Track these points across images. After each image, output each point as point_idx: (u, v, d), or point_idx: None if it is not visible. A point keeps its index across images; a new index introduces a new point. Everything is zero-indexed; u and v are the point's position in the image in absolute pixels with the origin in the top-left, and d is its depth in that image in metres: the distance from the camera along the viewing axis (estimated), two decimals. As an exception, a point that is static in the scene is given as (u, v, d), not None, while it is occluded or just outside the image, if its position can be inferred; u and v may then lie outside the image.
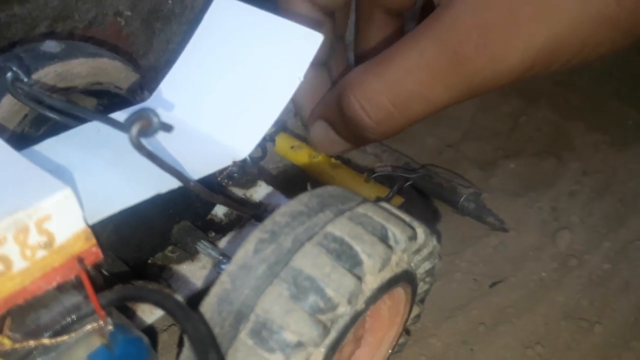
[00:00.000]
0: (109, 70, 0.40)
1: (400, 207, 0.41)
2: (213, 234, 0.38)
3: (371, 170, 0.48)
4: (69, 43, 0.39)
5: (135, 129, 0.26)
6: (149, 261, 0.35)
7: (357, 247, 0.27)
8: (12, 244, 0.24)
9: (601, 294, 0.47)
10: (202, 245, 0.35)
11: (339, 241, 0.28)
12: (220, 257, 0.34)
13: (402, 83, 0.35)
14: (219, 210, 0.39)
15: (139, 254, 0.34)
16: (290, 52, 0.36)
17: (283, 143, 0.50)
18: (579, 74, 0.65)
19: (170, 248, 0.36)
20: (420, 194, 0.51)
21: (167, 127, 0.27)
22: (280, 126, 0.51)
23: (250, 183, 0.40)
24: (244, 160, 0.37)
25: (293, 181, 0.52)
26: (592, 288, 0.47)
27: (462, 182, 0.51)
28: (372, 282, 0.28)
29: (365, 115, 0.37)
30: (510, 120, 0.62)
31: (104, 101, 0.41)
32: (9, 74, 0.34)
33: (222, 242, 0.37)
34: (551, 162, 0.58)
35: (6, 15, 0.43)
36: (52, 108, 0.34)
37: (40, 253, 0.25)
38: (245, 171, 0.40)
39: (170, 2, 0.53)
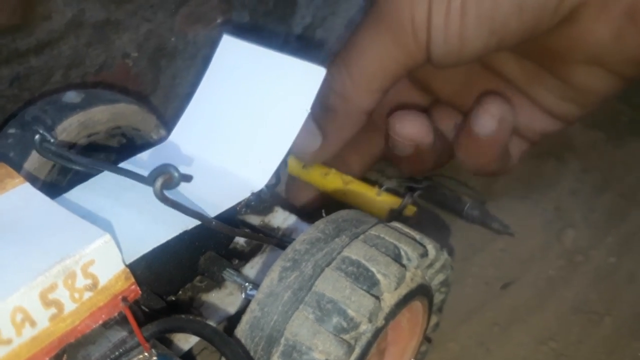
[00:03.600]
0: (127, 114, 0.42)
1: (413, 217, 0.44)
2: (237, 261, 0.40)
3: (379, 184, 0.50)
4: (88, 92, 0.41)
5: (158, 183, 0.29)
6: (180, 292, 0.38)
7: (373, 269, 0.30)
8: (62, 289, 0.27)
9: (608, 287, 0.49)
10: (228, 273, 0.37)
11: (355, 264, 0.30)
12: (246, 284, 0.36)
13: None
14: (241, 239, 0.41)
15: (170, 286, 0.37)
16: (296, 86, 0.39)
17: (294, 164, 0.52)
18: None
19: (198, 278, 0.38)
20: (427, 204, 0.53)
21: (187, 178, 0.30)
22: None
23: (267, 210, 0.43)
24: (260, 190, 0.39)
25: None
26: (600, 282, 0.49)
27: (465, 191, 0.53)
28: (389, 299, 0.30)
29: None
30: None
31: (125, 142, 0.43)
32: (37, 137, 0.36)
33: (246, 269, 0.39)
34: (551, 163, 0.60)
35: (24, 69, 0.46)
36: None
37: (87, 295, 0.28)
38: (262, 199, 0.42)
39: (173, 39, 0.55)
